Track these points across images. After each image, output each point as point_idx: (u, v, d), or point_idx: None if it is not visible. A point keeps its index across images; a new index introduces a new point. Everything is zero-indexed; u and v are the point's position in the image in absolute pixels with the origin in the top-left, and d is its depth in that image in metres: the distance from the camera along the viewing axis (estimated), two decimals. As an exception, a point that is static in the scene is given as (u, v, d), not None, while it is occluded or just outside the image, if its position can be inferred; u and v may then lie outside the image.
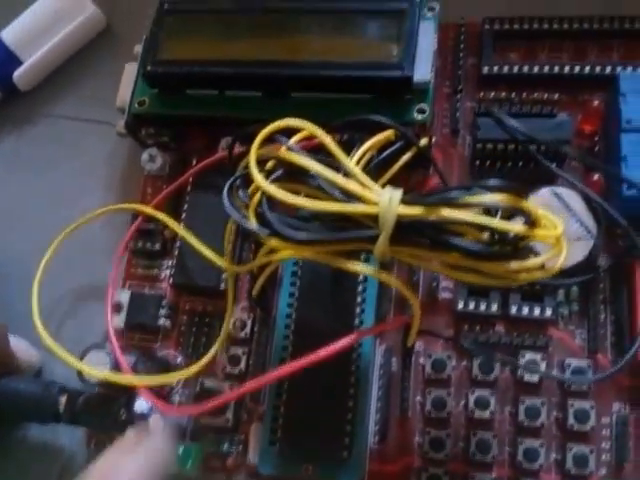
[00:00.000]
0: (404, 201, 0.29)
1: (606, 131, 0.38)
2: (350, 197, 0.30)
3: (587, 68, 0.39)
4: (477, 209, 0.28)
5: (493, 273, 0.28)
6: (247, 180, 0.32)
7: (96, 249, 0.43)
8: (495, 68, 0.40)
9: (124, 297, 0.40)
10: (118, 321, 0.39)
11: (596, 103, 0.37)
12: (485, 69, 0.40)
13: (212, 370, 0.38)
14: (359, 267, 0.30)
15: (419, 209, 0.28)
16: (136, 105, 0.41)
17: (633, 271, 0.34)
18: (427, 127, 0.38)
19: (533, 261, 0.28)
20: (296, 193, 0.32)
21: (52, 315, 0.42)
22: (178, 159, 0.43)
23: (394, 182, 0.35)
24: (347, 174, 0.32)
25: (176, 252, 0.39)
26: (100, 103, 0.46)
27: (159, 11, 0.41)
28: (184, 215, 0.40)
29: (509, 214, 0.28)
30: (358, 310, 0.35)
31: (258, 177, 0.31)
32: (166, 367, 0.38)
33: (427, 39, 0.38)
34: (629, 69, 0.38)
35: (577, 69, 0.39)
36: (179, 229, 0.38)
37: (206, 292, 0.39)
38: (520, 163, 0.37)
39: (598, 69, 0.38)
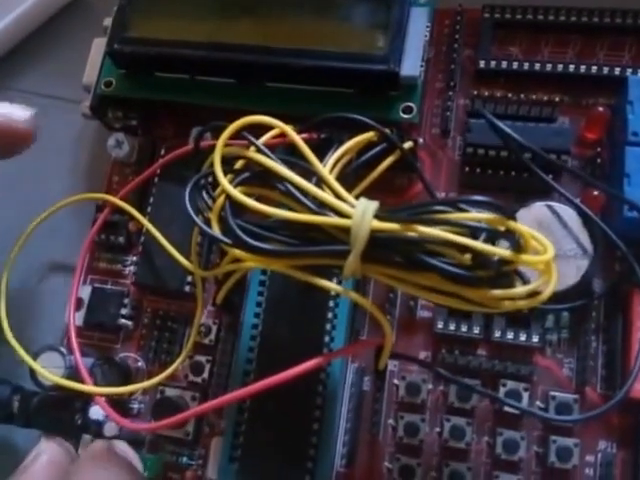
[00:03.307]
0: (379, 215, 0.26)
1: (611, 140, 0.35)
2: (321, 207, 0.27)
3: (594, 68, 0.35)
4: (459, 228, 0.25)
5: (473, 299, 0.26)
6: (213, 180, 0.29)
7: (58, 238, 0.40)
8: (493, 63, 0.36)
9: (85, 293, 0.37)
10: (77, 318, 0.37)
11: (601, 109, 0.34)
12: (481, 63, 0.36)
13: (174, 377, 0.35)
14: (328, 284, 0.27)
15: (395, 224, 0.25)
16: (102, 86, 0.38)
17: (630, 299, 0.31)
18: (414, 127, 0.35)
19: (518, 290, 0.25)
20: (266, 197, 0.29)
21: (12, 309, 0.39)
22: (146, 145, 0.40)
23: (376, 186, 0.33)
24: (320, 180, 0.29)
25: (140, 248, 0.37)
26: (67, 79, 0.43)
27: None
28: (150, 208, 0.37)
29: (494, 234, 0.25)
30: (329, 326, 0.32)
31: (222, 179, 0.28)
32: (126, 372, 0.36)
33: (418, 28, 0.35)
34: (640, 72, 0.35)
35: (583, 69, 0.35)
36: (146, 224, 0.36)
37: (170, 293, 0.36)
38: (513, 172, 0.34)
39: (606, 70, 0.35)
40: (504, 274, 0.25)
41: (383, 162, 0.33)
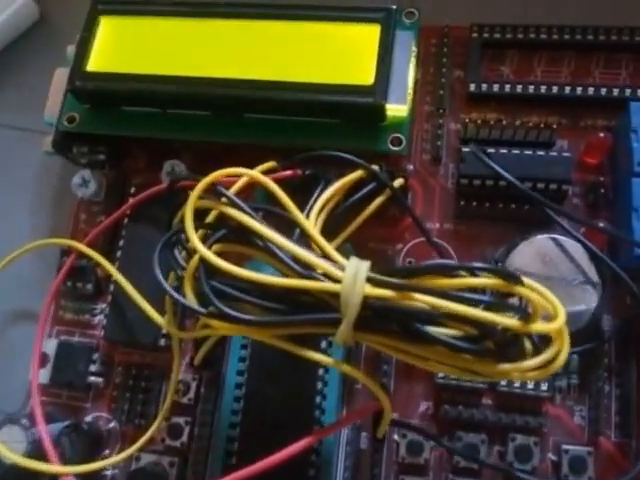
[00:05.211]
0: (372, 278, 0.23)
1: (613, 165, 0.32)
2: (307, 268, 0.25)
3: (591, 90, 0.33)
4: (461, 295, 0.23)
5: (480, 372, 0.23)
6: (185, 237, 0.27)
7: (20, 285, 0.37)
8: (484, 86, 0.34)
9: (50, 347, 0.34)
10: (43, 376, 0.34)
11: (602, 135, 0.32)
12: (472, 86, 0.34)
13: (150, 440, 0.32)
14: (315, 356, 0.25)
15: (389, 291, 0.23)
16: (65, 122, 0.35)
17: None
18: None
19: (529, 363, 0.23)
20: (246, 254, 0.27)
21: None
22: (116, 180, 0.37)
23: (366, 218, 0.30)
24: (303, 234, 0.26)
25: (109, 298, 0.34)
26: (30, 108, 0.39)
27: (92, 12, 0.35)
28: (120, 253, 0.34)
29: (499, 302, 0.23)
30: (319, 385, 0.29)
31: (195, 240, 0.25)
32: (97, 437, 0.33)
33: (404, 54, 0.32)
34: (640, 93, 0.32)
35: (580, 90, 0.33)
36: (115, 274, 0.33)
37: (144, 347, 0.34)
38: (513, 205, 0.31)
39: (604, 91, 0.33)
40: (513, 343, 0.23)
41: (372, 202, 0.30)
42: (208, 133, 0.34)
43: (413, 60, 0.32)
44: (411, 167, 0.34)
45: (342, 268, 0.24)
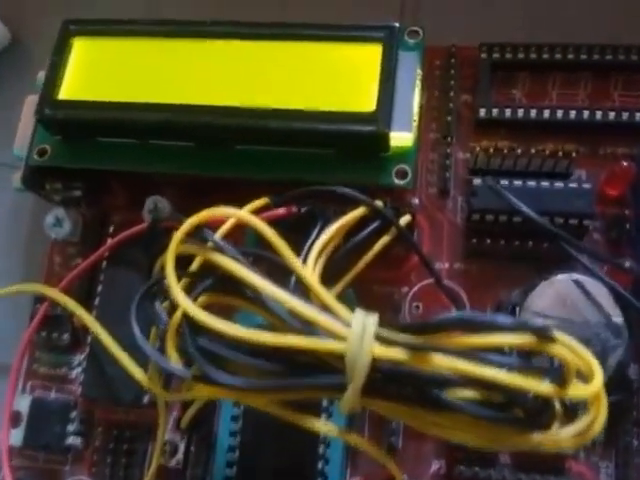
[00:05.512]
0: (381, 336, 0.21)
1: (637, 197, 0.30)
2: (306, 324, 0.22)
3: (612, 114, 0.30)
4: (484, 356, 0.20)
5: (504, 441, 0.20)
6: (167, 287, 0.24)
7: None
8: (495, 111, 0.31)
9: (23, 404, 0.31)
10: (15, 438, 0.31)
11: (625, 164, 0.29)
12: (482, 112, 0.31)
13: None
14: (316, 425, 0.22)
15: (402, 352, 0.20)
16: (35, 155, 0.32)
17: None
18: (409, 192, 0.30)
19: (562, 434, 0.20)
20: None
21: None
22: (93, 218, 0.34)
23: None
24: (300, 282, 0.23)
25: (87, 350, 0.31)
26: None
27: (63, 33, 0.32)
28: (98, 300, 0.31)
29: (529, 364, 0.20)
30: (321, 449, 0.26)
31: (178, 293, 0.22)
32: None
33: (408, 77, 0.29)
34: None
35: (599, 115, 0.30)
36: (93, 326, 0.29)
37: (126, 405, 0.30)
38: (530, 242, 0.29)
39: (626, 116, 0.30)
40: (544, 409, 0.20)
41: (376, 243, 0.27)
42: (193, 166, 0.31)
43: (418, 84, 0.29)
44: (416, 201, 0.31)
45: (347, 323, 0.21)
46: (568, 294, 0.28)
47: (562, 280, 0.28)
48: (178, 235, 0.23)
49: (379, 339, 0.20)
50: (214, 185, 0.31)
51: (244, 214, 0.24)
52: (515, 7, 0.36)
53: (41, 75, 0.34)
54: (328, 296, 0.22)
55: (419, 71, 0.30)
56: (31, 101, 0.34)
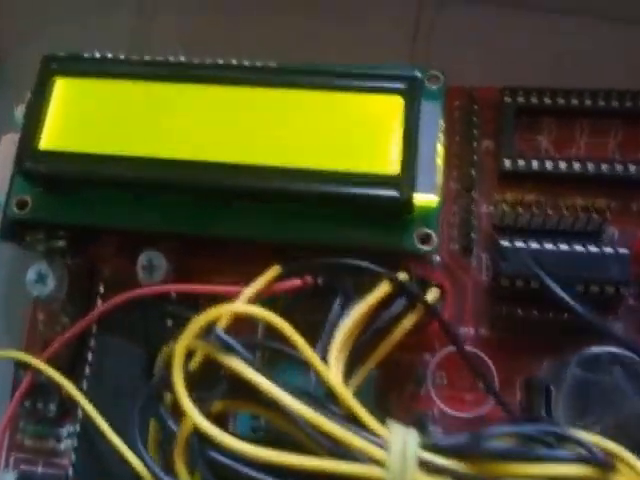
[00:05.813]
0: (425, 461, 0.18)
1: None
2: (336, 444, 0.19)
3: (646, 167, 0.28)
4: None
5: None
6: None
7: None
8: (521, 163, 0.29)
9: (7, 482, 0.28)
10: (-2, 523, 0.28)
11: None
12: (507, 163, 0.29)
13: None
14: None
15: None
16: (15, 208, 0.29)
17: None
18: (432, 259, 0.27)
19: None
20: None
21: None
22: (80, 272, 0.31)
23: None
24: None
25: (78, 426, 0.28)
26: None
27: (44, 71, 0.28)
28: (88, 370, 0.28)
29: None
30: None
31: (187, 403, 0.20)
32: None
33: (431, 130, 0.27)
34: None
35: (633, 169, 0.28)
36: (84, 403, 0.27)
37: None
38: (565, 314, 0.26)
39: (662, 168, 0.28)
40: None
41: (401, 321, 0.25)
42: (190, 224, 0.28)
43: (441, 136, 0.27)
44: (438, 259, 0.29)
45: (384, 444, 0.19)
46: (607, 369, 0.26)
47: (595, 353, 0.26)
48: (183, 340, 0.20)
49: (423, 466, 0.18)
50: (215, 240, 0.29)
51: (255, 310, 0.21)
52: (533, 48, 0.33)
53: (20, 109, 0.30)
54: (358, 406, 0.20)
55: (442, 122, 0.27)
56: (8, 140, 0.30)
